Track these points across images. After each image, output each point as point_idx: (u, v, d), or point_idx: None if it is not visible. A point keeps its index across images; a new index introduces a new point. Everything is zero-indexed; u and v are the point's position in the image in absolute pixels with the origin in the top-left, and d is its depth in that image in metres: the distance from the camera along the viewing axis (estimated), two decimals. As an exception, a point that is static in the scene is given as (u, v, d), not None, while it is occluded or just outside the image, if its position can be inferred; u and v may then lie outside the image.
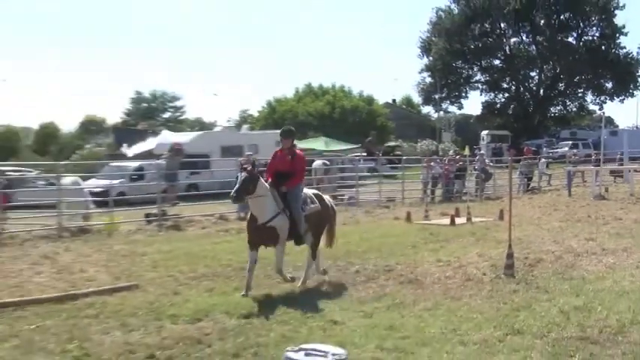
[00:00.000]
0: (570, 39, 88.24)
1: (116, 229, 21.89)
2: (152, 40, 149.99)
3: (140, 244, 18.94)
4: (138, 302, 11.81)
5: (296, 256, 14.48)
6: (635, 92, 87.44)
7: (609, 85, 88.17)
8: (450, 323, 10.32)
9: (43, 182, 28.87)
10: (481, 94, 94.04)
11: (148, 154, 43.54)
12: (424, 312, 11.10)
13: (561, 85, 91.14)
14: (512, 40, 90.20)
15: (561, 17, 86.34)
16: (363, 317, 10.79)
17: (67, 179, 23.57)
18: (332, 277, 14.04)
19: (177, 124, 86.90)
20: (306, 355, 5.43)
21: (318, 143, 59.26)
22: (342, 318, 10.66)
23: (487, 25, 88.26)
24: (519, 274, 13.90)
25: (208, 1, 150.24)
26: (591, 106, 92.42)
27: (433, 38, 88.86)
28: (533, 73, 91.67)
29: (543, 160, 43.76)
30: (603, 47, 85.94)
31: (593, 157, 45.00)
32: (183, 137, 45.22)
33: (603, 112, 72.46)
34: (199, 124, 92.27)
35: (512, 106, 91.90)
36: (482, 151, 49.58)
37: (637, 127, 79.04)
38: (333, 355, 5.50)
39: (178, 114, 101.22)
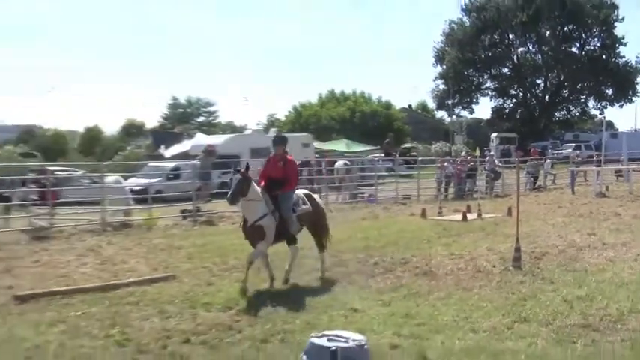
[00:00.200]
0: (573, 49, 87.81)
1: (154, 224, 21.93)
2: (187, 51, 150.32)
3: (176, 238, 19.00)
4: (174, 291, 11.86)
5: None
6: (633, 98, 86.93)
7: (609, 91, 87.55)
8: (462, 311, 10.30)
9: (88, 181, 28.99)
10: (491, 100, 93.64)
11: (183, 155, 43.63)
12: (438, 301, 11.09)
13: (565, 92, 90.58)
14: (520, 49, 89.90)
15: (565, 29, 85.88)
16: (382, 306, 10.78)
17: (110, 178, 23.68)
18: (352, 268, 14.05)
19: (210, 128, 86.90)
20: (329, 340, 5.39)
21: (340, 145, 59.29)
22: (362, 306, 10.66)
23: (496, 36, 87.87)
24: (526, 266, 13.87)
25: (240, 19, 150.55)
26: (593, 111, 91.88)
27: (446, 48, 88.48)
28: (539, 81, 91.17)
29: (548, 160, 43.58)
30: (604, 57, 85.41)
31: (594, 158, 44.63)
32: (216, 140, 45.14)
33: (604, 117, 72.54)
34: (230, 128, 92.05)
35: (519, 111, 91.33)
36: (491, 153, 49.45)
37: (635, 131, 78.29)
38: (354, 340, 5.45)
39: (211, 118, 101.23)
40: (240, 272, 12.69)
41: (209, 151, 28.71)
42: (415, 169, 38.26)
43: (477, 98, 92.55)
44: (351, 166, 35.31)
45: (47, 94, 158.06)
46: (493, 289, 11.93)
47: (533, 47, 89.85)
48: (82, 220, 21.76)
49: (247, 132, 70.76)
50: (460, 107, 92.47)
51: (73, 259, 15.34)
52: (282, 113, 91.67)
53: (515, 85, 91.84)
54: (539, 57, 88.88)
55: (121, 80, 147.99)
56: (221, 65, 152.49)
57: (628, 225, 20.97)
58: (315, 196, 14.31)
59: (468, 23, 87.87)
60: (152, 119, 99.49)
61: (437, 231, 19.85)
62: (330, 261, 14.60)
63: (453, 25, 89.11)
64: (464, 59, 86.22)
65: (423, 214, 23.93)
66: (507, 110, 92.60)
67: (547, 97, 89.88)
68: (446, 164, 34.94)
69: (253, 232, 12.41)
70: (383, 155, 52.62)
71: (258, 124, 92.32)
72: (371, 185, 33.17)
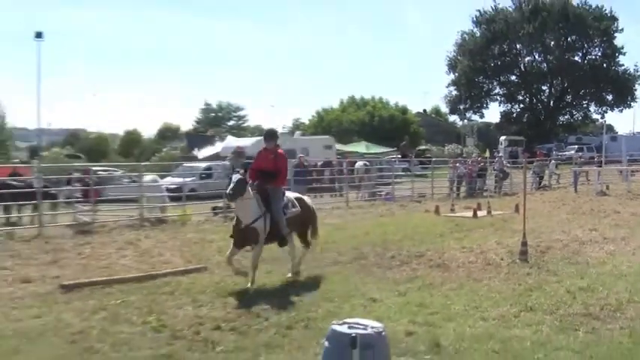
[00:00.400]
0: (576, 58, 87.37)
1: (188, 219, 21.98)
2: (219, 60, 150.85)
3: (208, 233, 19.00)
4: (206, 282, 11.88)
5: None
6: (632, 103, 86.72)
7: (610, 97, 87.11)
8: (472, 301, 10.27)
9: (127, 180, 29.09)
10: (499, 105, 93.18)
11: (215, 156, 43.84)
12: (450, 292, 11.06)
13: (569, 97, 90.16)
14: (527, 58, 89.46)
15: (569, 39, 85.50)
16: (398, 296, 10.75)
17: (148, 177, 23.72)
18: (371, 261, 14.03)
19: (240, 131, 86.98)
20: (349, 328, 5.41)
21: (360, 147, 59.30)
22: (379, 296, 10.64)
23: (505, 46, 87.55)
24: (532, 259, 13.80)
25: (268, 32, 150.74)
26: (594, 116, 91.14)
27: (458, 57, 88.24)
28: (544, 87, 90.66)
29: (553, 161, 43.22)
30: (604, 65, 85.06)
31: (596, 159, 44.42)
32: (245, 142, 45.23)
33: (604, 121, 71.84)
34: (259, 131, 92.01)
35: (526, 115, 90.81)
36: (500, 154, 49.34)
37: (634, 134, 77.75)
38: (372, 328, 5.46)
39: (241, 122, 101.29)
40: (266, 264, 12.70)
41: (239, 152, 28.69)
42: (429, 169, 38.12)
43: (486, 103, 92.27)
44: (370, 167, 35.42)
45: (91, 99, 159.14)
46: (501, 281, 11.88)
47: (539, 56, 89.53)
48: (121, 216, 21.84)
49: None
50: (471, 112, 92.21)
51: (113, 252, 15.41)
52: (306, 117, 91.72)
53: (523, 92, 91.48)
54: (545, 65, 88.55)
55: (158, 86, 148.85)
56: (250, 73, 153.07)
57: (627, 221, 20.93)
58: (306, 199, 13.77)
59: (478, 34, 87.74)
60: (186, 123, 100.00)
61: (449, 227, 19.78)
62: (351, 254, 14.63)
63: (464, 35, 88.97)
64: (475, 67, 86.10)
65: (437, 211, 23.85)
66: (515, 115, 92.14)
67: (552, 102, 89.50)
68: (458, 165, 34.87)
69: (246, 234, 11.89)
70: (399, 156, 52.47)
71: (284, 128, 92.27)
72: (388, 184, 33.08)
